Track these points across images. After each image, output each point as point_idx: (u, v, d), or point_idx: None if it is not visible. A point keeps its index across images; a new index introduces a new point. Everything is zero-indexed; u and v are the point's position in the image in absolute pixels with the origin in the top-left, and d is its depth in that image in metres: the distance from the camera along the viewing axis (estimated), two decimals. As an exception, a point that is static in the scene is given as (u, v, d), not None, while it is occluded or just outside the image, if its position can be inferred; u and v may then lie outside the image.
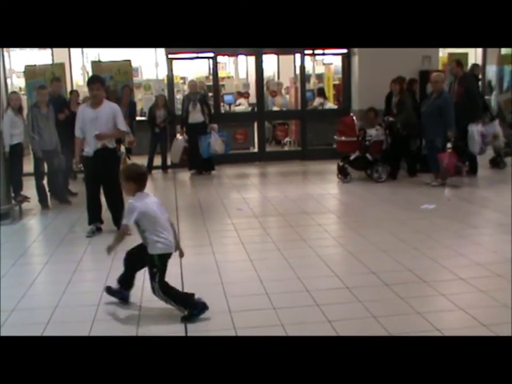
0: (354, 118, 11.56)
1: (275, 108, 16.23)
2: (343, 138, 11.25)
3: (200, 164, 12.75)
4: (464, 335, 4.12)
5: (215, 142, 12.39)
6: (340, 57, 15.10)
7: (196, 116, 12.45)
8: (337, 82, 16.82)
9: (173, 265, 6.25)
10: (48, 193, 10.08)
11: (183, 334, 4.62)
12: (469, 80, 11.56)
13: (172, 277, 5.91)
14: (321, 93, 16.12)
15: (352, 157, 11.17)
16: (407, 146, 11.44)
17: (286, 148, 15.86)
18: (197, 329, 4.68)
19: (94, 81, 7.66)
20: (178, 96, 15.92)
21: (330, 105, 16.14)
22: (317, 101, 15.84)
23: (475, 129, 11.00)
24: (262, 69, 14.52)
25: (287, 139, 16.00)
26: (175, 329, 4.70)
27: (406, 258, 6.29)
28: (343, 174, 11.29)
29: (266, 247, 7.05)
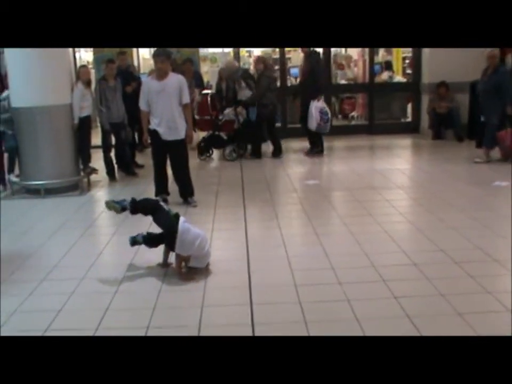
0: (208, 98, 11.76)
1: (343, 82, 16.00)
2: (200, 117, 11.73)
3: None
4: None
5: None
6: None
7: (244, 93, 12.26)
8: (406, 54, 16.44)
9: (238, 239, 6.31)
10: (116, 166, 10.22)
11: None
12: (314, 59, 11.59)
13: (238, 249, 5.96)
14: (389, 66, 15.81)
15: (206, 136, 11.52)
16: (257, 126, 11.64)
17: (353, 122, 15.64)
18: (263, 301, 4.69)
19: (159, 54, 7.66)
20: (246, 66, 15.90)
21: (399, 78, 15.82)
22: (385, 74, 15.54)
23: (313, 106, 11.32)
24: (329, 42, 14.29)
25: (354, 113, 15.78)
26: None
27: (476, 236, 6.11)
28: (199, 151, 11.64)
29: (332, 221, 6.99)
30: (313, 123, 11.41)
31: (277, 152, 11.72)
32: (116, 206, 5.60)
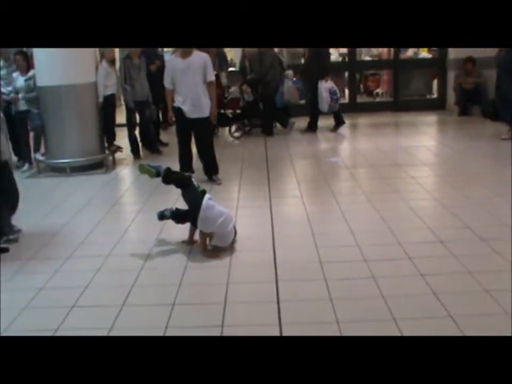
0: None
1: (367, 58, 15.87)
2: None
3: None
4: None
5: (288, 90, 12.08)
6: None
7: None
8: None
9: (263, 216, 6.31)
10: (140, 144, 10.25)
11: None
12: None
13: (263, 227, 5.96)
14: (414, 42, 15.63)
15: None
16: (265, 103, 11.63)
17: (378, 99, 15.52)
18: (288, 278, 4.68)
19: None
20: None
21: (424, 54, 15.64)
22: (410, 50, 15.37)
23: (322, 87, 11.32)
24: (353, 17, 14.14)
25: (378, 90, 15.65)
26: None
27: (503, 213, 6.03)
28: None
29: (357, 198, 6.95)
30: (324, 105, 11.45)
31: (267, 129, 11.76)
32: (151, 170, 5.60)
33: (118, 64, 10.65)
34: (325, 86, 11.38)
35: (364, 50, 16.02)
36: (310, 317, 4.04)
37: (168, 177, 5.61)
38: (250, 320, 4.06)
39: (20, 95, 9.19)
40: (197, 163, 8.12)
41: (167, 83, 7.73)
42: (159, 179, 5.65)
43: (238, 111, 11.70)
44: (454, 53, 13.15)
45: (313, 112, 11.84)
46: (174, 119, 7.91)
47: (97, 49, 10.30)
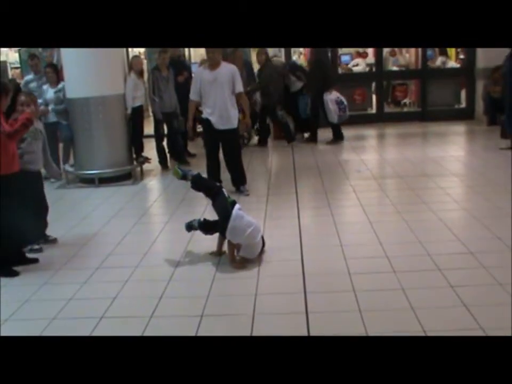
0: None
1: (394, 68, 15.81)
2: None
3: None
4: None
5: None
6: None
7: (296, 85, 12.25)
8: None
9: (291, 226, 6.29)
10: (168, 155, 10.30)
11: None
12: (321, 50, 11.56)
13: (292, 237, 5.95)
14: (443, 51, 15.53)
15: None
16: (268, 114, 11.81)
17: (405, 109, 15.43)
18: (316, 289, 4.66)
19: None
20: (295, 57, 15.81)
21: (452, 63, 15.53)
22: (439, 59, 15.28)
23: (328, 98, 11.35)
24: (381, 27, 14.11)
25: (406, 100, 15.57)
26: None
27: (535, 223, 5.96)
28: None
29: (385, 209, 6.90)
30: (333, 116, 11.49)
31: (288, 137, 11.82)
32: (178, 171, 5.65)
33: (146, 75, 10.73)
34: (331, 97, 11.43)
35: (391, 60, 15.97)
36: (339, 328, 4.01)
37: (197, 183, 5.64)
38: (279, 331, 4.03)
39: (50, 107, 9.29)
40: (224, 174, 8.13)
41: (192, 94, 7.77)
42: (189, 188, 5.67)
43: None
44: (482, 62, 13.03)
45: (316, 124, 11.97)
46: (197, 129, 7.93)
47: (125, 61, 10.37)
